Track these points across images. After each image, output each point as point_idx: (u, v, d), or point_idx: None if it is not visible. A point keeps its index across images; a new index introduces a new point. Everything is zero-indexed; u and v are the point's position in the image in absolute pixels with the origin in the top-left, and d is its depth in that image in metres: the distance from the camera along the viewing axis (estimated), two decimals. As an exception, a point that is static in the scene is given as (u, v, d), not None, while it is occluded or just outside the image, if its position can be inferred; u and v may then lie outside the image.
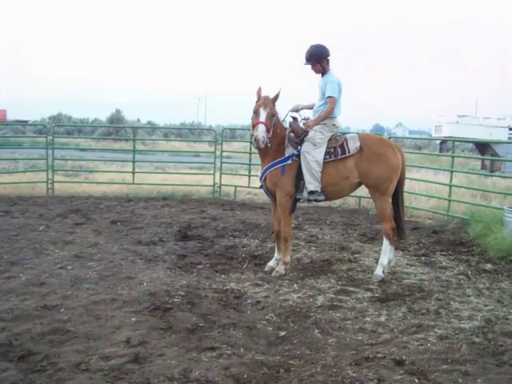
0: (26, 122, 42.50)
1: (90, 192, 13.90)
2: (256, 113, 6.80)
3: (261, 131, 6.63)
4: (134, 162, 14.82)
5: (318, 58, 6.98)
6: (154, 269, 7.08)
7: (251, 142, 6.70)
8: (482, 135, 25.63)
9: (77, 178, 16.53)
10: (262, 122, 6.68)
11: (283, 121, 7.08)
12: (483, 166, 25.43)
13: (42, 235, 8.73)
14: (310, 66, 7.10)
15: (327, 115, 6.94)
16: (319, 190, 6.85)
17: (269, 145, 6.81)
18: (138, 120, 56.92)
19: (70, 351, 4.47)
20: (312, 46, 7.03)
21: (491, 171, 22.95)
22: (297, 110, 7.27)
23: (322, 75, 7.09)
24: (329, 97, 6.91)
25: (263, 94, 6.89)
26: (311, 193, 6.87)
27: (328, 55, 7.04)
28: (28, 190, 13.56)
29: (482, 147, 26.59)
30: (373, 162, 6.81)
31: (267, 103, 6.78)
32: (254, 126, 6.77)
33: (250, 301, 5.96)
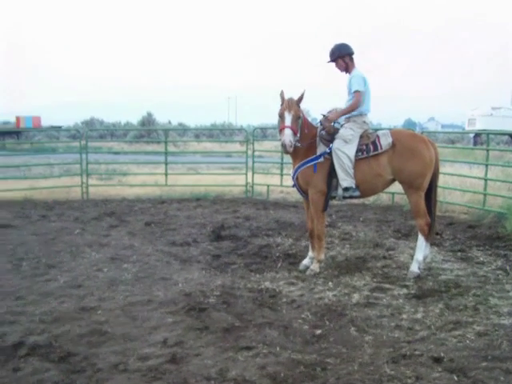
0: (60, 127, 43.16)
1: (123, 195, 14.06)
2: (281, 116, 6.76)
3: (288, 135, 6.60)
4: (166, 163, 14.94)
5: (339, 54, 7.00)
6: (188, 269, 7.13)
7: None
8: (518, 127, 25.14)
9: (110, 181, 16.71)
10: (288, 127, 6.64)
11: (313, 119, 7.04)
12: (519, 159, 24.91)
13: (78, 238, 8.87)
14: (333, 64, 7.14)
15: (351, 109, 6.95)
16: (354, 185, 6.81)
17: (298, 144, 6.79)
18: (169, 122, 57.27)
19: (108, 352, 4.54)
20: (335, 44, 7.06)
21: (527, 164, 22.49)
22: None
23: (348, 73, 7.09)
24: (355, 91, 6.90)
25: (286, 96, 6.87)
26: (346, 189, 6.84)
27: (351, 53, 7.04)
28: (63, 194, 13.76)
29: (518, 139, 26.08)
30: (406, 157, 6.74)
31: (292, 106, 6.73)
32: (281, 130, 6.75)
33: (285, 300, 5.96)
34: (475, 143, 26.93)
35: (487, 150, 11.82)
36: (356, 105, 6.93)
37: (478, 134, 26.16)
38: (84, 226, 10.01)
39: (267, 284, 6.53)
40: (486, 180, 11.43)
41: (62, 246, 8.28)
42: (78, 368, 4.26)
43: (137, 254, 7.87)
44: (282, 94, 6.88)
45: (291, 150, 6.65)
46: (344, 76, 7.19)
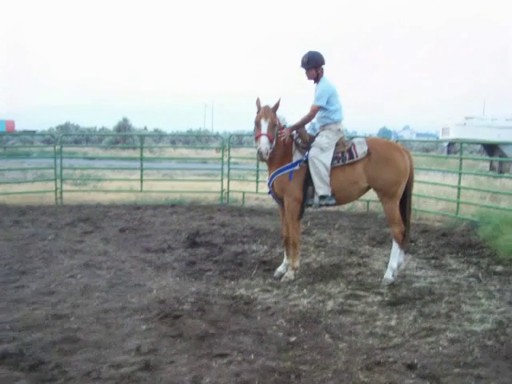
0: (34, 132, 42.68)
1: (98, 200, 13.94)
2: (257, 124, 6.78)
3: (263, 143, 6.61)
4: (141, 169, 14.86)
5: (315, 64, 6.99)
6: (163, 276, 7.09)
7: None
8: (490, 136, 25.50)
9: (85, 186, 16.58)
10: (264, 134, 6.66)
11: (284, 126, 7.02)
12: (492, 168, 25.28)
13: (51, 244, 8.76)
14: (304, 71, 7.10)
15: (303, 122, 7.04)
16: (330, 194, 6.84)
17: (273, 155, 6.80)
18: (145, 128, 57.06)
19: (80, 360, 4.48)
20: (311, 52, 7.03)
21: (500, 172, 22.83)
22: None
23: (316, 82, 7.10)
24: (313, 105, 6.95)
25: (263, 104, 6.88)
26: (322, 197, 6.87)
27: (324, 63, 7.05)
28: (37, 199, 13.60)
29: (491, 148, 26.46)
30: (381, 165, 6.79)
31: (268, 113, 6.76)
32: (257, 138, 6.76)
33: (259, 307, 5.95)
34: (449, 152, 27.20)
35: (460, 159, 11.99)
36: (310, 118, 7.03)
37: (451, 143, 26.44)
38: (57, 231, 9.89)
39: (242, 291, 6.52)
40: (459, 188, 11.59)
41: (35, 252, 8.16)
42: (49, 376, 4.18)
43: (111, 261, 7.79)
44: (258, 102, 6.90)
45: (267, 157, 6.66)
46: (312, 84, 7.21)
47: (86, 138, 43.75)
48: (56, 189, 13.68)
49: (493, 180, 16.65)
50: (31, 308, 5.69)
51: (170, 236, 9.75)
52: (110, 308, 5.75)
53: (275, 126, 6.78)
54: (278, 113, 6.93)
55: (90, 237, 9.54)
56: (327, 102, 6.92)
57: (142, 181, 14.52)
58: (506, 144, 24.66)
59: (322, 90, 6.94)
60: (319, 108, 6.94)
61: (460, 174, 11.86)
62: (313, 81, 7.12)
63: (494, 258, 8.21)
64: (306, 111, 7.04)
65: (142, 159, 15.39)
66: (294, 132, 7.05)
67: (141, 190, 14.41)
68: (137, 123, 54.55)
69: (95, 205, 13.36)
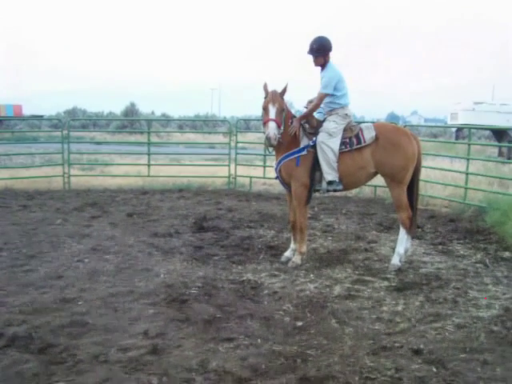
0: (42, 116, 42.69)
1: (105, 185, 13.97)
2: (265, 109, 6.72)
3: (272, 128, 6.56)
4: (149, 154, 14.87)
5: (324, 52, 6.92)
6: (170, 261, 7.12)
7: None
8: (499, 122, 25.32)
9: (92, 171, 16.61)
10: (272, 119, 6.61)
11: (297, 111, 6.99)
12: (500, 154, 25.15)
13: (59, 229, 8.80)
14: (312, 58, 7.00)
15: (311, 111, 6.99)
16: (337, 179, 6.82)
17: (281, 140, 6.78)
18: (153, 112, 57.02)
19: (88, 343, 4.51)
20: (320, 38, 6.91)
21: (508, 158, 22.70)
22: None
23: (322, 68, 7.04)
24: (320, 92, 6.90)
25: (270, 88, 6.83)
26: (330, 183, 6.84)
27: (332, 49, 6.97)
28: (45, 184, 13.65)
29: (499, 134, 26.30)
30: (389, 151, 6.76)
31: (275, 98, 6.70)
32: (265, 123, 6.73)
33: (266, 291, 5.97)
34: (457, 137, 27.05)
35: (469, 145, 11.94)
36: (317, 107, 6.98)
37: (460, 129, 26.33)
38: (65, 216, 9.94)
39: (249, 276, 6.54)
40: (467, 174, 11.54)
41: (43, 237, 8.22)
42: (58, 359, 4.23)
43: (118, 245, 7.83)
44: (265, 87, 6.84)
45: (275, 143, 6.63)
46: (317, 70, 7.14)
47: (94, 122, 43.82)
48: (64, 173, 13.72)
49: (501, 166, 16.56)
50: (40, 292, 5.74)
51: (178, 221, 9.77)
52: (118, 292, 5.79)
53: (283, 111, 6.75)
54: (285, 97, 6.90)
55: (98, 221, 9.58)
56: (334, 89, 6.88)
57: (149, 165, 14.52)
58: (515, 129, 24.48)
59: (329, 77, 6.87)
60: (326, 95, 6.90)
61: (468, 159, 11.80)
62: (320, 67, 7.06)
63: (502, 244, 8.19)
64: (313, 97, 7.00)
65: (149, 144, 15.40)
66: None
67: (148, 175, 14.41)
68: (144, 108, 54.53)
69: (103, 189, 13.40)
